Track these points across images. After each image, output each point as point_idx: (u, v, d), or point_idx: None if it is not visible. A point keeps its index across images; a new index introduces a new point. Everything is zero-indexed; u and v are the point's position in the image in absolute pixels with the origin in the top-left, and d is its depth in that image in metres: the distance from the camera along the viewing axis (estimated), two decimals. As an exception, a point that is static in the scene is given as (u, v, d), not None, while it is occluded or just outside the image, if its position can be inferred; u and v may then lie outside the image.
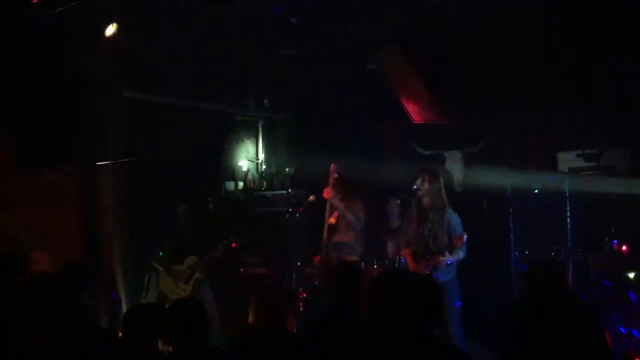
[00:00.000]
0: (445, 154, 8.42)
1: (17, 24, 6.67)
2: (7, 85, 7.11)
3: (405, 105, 7.66)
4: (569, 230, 7.33)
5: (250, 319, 4.35)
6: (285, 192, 8.92)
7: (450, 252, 6.32)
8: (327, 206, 7.42)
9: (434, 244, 6.44)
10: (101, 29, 7.01)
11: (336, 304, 4.41)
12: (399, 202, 6.82)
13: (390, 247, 7.89)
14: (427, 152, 8.44)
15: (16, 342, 4.01)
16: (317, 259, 7.44)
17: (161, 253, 7.60)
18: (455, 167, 8.33)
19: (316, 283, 7.28)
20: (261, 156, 9.80)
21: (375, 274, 6.79)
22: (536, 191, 7.60)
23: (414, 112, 7.68)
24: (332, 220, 7.28)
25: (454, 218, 6.52)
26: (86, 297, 5.41)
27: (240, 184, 9.58)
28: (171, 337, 4.11)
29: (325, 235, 7.34)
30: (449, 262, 6.36)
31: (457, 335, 6.28)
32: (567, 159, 7.79)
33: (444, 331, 6.24)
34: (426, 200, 6.57)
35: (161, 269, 7.49)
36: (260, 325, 4.29)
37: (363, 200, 7.41)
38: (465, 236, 6.27)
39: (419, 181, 6.57)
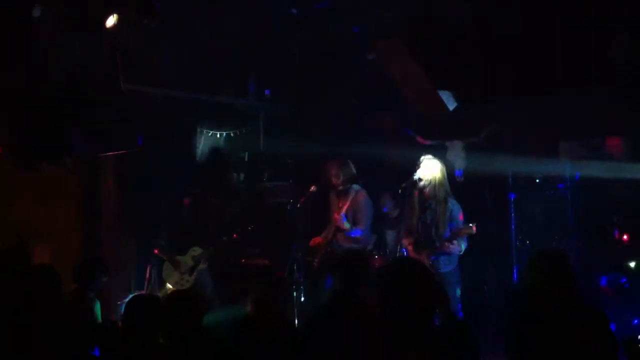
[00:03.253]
0: (447, 143, 8.41)
1: (16, 17, 6.67)
2: (7, 79, 7.11)
3: (407, 95, 7.64)
4: (570, 220, 7.33)
5: (249, 309, 4.36)
6: (286, 183, 8.92)
7: (454, 241, 6.31)
8: (333, 200, 7.35)
9: (436, 234, 6.42)
10: (100, 22, 7.00)
11: (341, 291, 4.43)
12: (400, 191, 6.76)
13: (389, 237, 7.87)
14: (428, 142, 8.43)
15: (18, 335, 4.02)
16: (316, 241, 7.38)
17: (162, 242, 7.62)
18: (457, 157, 8.31)
19: (315, 265, 7.22)
20: (262, 147, 9.78)
21: (377, 264, 6.85)
22: (537, 181, 7.60)
23: (416, 102, 7.66)
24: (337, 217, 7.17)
25: (456, 208, 6.50)
26: (92, 291, 5.49)
27: (242, 175, 9.58)
28: (164, 330, 4.13)
29: (328, 233, 7.24)
30: (455, 252, 6.34)
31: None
32: (569, 148, 7.77)
33: (446, 319, 6.25)
34: (428, 190, 6.54)
35: (165, 258, 7.51)
36: (259, 315, 4.30)
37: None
38: (474, 227, 6.24)
39: (420, 171, 6.54)
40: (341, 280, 4.52)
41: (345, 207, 7.10)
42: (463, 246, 6.36)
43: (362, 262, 4.68)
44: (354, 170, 7.24)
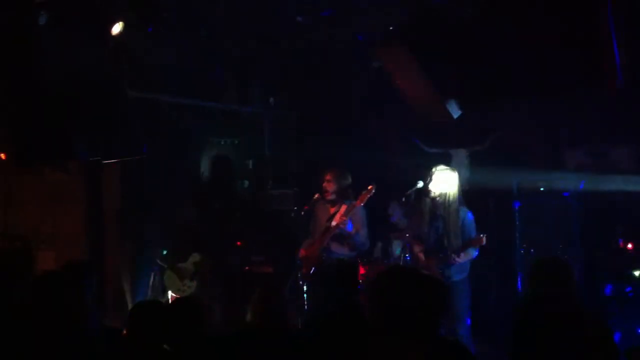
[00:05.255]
0: (452, 151, 8.39)
1: (21, 21, 6.68)
2: (12, 83, 7.12)
3: (410, 102, 7.63)
4: (575, 229, 7.32)
5: (249, 318, 4.35)
6: (291, 190, 8.92)
7: (464, 252, 6.27)
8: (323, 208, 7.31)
9: (448, 243, 6.36)
10: (105, 27, 7.02)
11: (336, 300, 4.43)
12: (403, 199, 6.73)
13: (394, 246, 7.85)
14: (432, 150, 8.42)
15: (19, 341, 4.02)
16: (304, 252, 7.28)
17: (164, 251, 7.67)
18: (461, 165, 8.29)
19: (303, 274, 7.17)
20: (267, 154, 9.78)
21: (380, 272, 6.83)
22: (542, 189, 7.58)
23: (419, 109, 7.64)
24: (334, 223, 7.07)
25: (469, 218, 6.43)
26: (89, 295, 5.44)
27: (246, 182, 9.57)
28: (169, 336, 4.12)
29: (323, 239, 7.13)
30: (463, 262, 6.32)
31: (464, 334, 6.24)
32: (574, 157, 7.77)
33: (451, 330, 6.23)
34: (440, 199, 6.44)
35: (167, 267, 7.55)
36: (259, 323, 4.29)
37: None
38: (484, 238, 6.21)
39: (432, 184, 6.43)
40: (344, 288, 4.54)
41: (341, 214, 7.05)
42: (475, 252, 6.33)
43: (355, 270, 4.71)
44: (349, 182, 7.22)
